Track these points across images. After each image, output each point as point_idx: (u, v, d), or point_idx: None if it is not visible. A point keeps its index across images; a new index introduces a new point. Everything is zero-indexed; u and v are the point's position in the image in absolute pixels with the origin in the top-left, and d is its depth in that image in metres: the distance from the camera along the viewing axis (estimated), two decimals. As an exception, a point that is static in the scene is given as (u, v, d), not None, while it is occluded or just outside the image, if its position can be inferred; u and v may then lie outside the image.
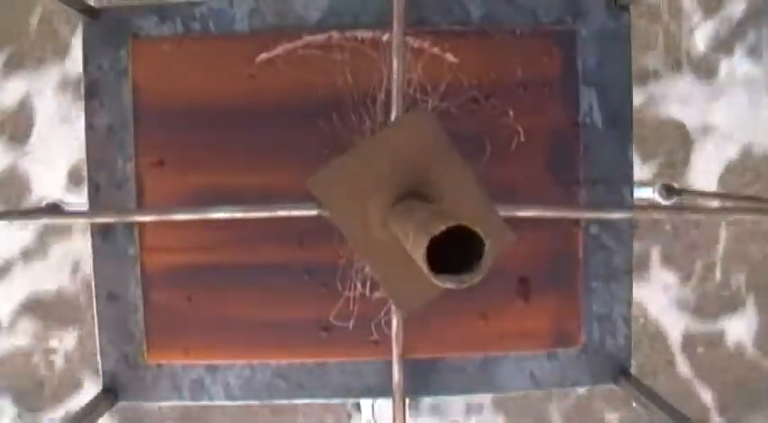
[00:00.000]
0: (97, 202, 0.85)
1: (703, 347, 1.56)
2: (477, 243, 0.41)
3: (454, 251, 0.42)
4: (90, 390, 1.53)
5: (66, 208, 0.97)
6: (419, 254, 0.41)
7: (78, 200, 1.01)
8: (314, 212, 0.63)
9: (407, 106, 0.81)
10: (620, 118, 0.85)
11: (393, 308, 0.69)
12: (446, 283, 0.42)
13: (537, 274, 0.85)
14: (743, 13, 1.52)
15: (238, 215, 0.69)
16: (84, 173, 0.85)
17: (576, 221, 0.85)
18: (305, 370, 0.86)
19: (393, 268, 0.54)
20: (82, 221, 0.87)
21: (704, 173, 1.52)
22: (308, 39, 0.83)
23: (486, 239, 0.40)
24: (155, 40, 0.84)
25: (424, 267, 0.41)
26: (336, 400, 1.11)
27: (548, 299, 0.85)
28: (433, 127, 0.53)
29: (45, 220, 0.70)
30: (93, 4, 0.84)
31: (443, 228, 0.40)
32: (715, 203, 1.17)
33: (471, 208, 0.54)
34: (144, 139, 0.84)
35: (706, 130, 1.52)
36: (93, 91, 0.85)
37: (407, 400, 0.85)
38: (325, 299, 0.84)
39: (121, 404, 0.86)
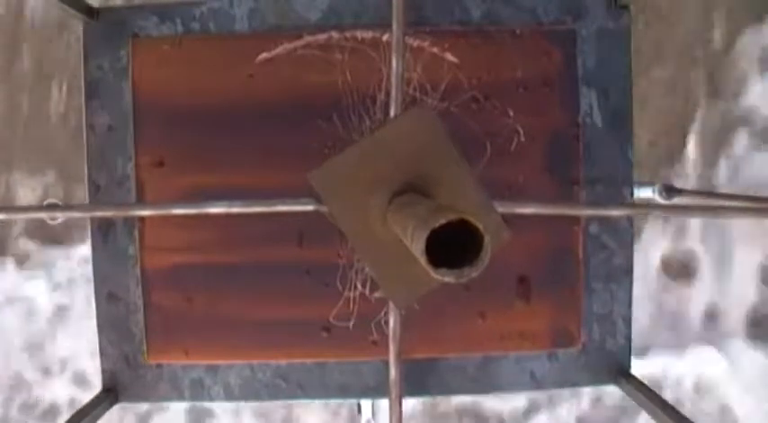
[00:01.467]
0: (97, 201, 0.85)
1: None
2: (477, 238, 0.41)
3: (452, 248, 0.42)
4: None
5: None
6: (419, 247, 0.41)
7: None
8: (311, 208, 0.63)
9: (407, 106, 0.81)
10: (620, 118, 0.85)
11: (391, 307, 0.69)
12: (445, 277, 0.42)
13: (537, 274, 0.85)
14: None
15: (235, 210, 0.69)
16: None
17: (577, 221, 0.85)
18: (305, 370, 0.86)
19: (390, 265, 0.54)
20: (80, 216, 0.87)
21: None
22: (308, 39, 0.83)
23: (486, 234, 0.40)
24: (155, 41, 0.84)
25: (423, 260, 0.41)
26: (336, 400, 1.11)
27: (548, 299, 0.85)
28: (432, 124, 0.53)
29: (44, 215, 0.70)
30: (93, 5, 0.84)
31: (444, 221, 0.40)
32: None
33: (470, 204, 0.54)
34: (144, 138, 0.84)
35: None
36: (93, 91, 0.85)
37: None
38: (325, 299, 0.84)
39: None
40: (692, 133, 1.50)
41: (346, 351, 0.85)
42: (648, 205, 0.97)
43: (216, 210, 0.69)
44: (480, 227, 0.40)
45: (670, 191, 1.01)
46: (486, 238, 0.40)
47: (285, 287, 0.84)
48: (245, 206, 0.69)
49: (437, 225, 0.40)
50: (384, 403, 1.04)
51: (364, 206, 0.53)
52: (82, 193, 0.85)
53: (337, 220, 0.54)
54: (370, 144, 0.53)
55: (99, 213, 0.80)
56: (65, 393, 1.51)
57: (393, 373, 0.67)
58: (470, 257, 0.41)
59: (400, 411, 0.67)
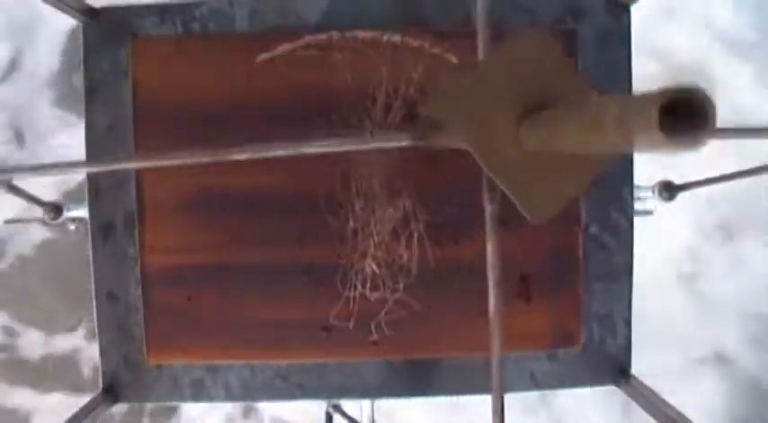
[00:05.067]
0: (97, 202, 0.85)
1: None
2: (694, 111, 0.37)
3: None
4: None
5: (66, 208, 0.97)
6: (646, 117, 0.36)
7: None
8: (408, 143, 0.59)
9: (408, 107, 0.81)
10: None
11: (488, 234, 0.60)
12: (680, 143, 0.37)
13: (537, 274, 0.85)
14: None
15: (325, 150, 0.59)
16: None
17: (577, 221, 0.85)
18: (304, 370, 0.86)
19: (524, 181, 0.52)
20: (79, 171, 0.84)
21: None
22: (308, 39, 0.83)
23: (711, 101, 0.37)
24: (155, 41, 0.84)
25: (656, 124, 0.36)
26: (336, 401, 1.11)
27: (548, 299, 0.85)
28: (547, 45, 0.51)
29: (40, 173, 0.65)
30: (92, 5, 0.84)
31: (674, 95, 0.34)
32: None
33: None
34: (144, 139, 0.84)
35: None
36: (93, 91, 0.85)
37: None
38: (324, 299, 0.84)
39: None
40: None
41: (346, 351, 0.85)
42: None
43: (309, 149, 0.59)
44: (707, 95, 0.36)
45: (670, 188, 1.01)
46: (711, 106, 0.36)
47: (285, 288, 0.84)
48: (340, 145, 0.60)
49: (668, 99, 0.35)
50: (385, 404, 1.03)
51: (490, 126, 0.50)
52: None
53: (461, 141, 0.51)
54: (486, 67, 0.51)
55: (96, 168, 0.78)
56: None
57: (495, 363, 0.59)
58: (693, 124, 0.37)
59: (502, 411, 0.57)
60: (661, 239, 1.64)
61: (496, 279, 0.56)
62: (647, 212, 1.05)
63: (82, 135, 0.84)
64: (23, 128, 1.72)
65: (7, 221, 1.53)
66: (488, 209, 0.56)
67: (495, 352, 0.58)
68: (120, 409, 1.50)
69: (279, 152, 0.61)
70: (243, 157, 0.56)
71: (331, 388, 0.86)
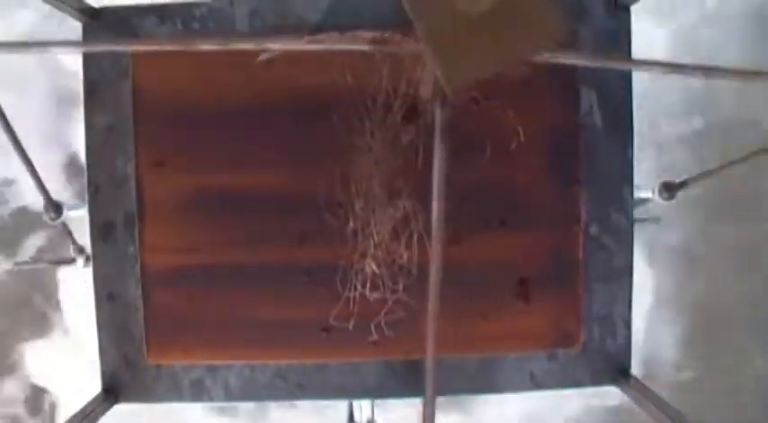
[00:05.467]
0: (97, 202, 0.85)
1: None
2: None
3: None
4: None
5: (66, 208, 0.97)
6: None
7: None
8: (366, 48, 0.59)
9: (408, 108, 0.81)
10: (620, 118, 0.85)
11: (437, 108, 0.58)
12: None
13: (537, 275, 0.85)
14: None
15: (256, 47, 0.62)
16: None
17: (577, 222, 0.85)
18: (304, 370, 0.86)
19: (451, 42, 0.51)
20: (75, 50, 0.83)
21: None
22: (308, 39, 0.83)
23: None
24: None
25: None
26: (336, 401, 1.11)
27: (548, 300, 0.85)
28: None
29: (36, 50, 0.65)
30: (93, 5, 0.84)
31: None
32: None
33: None
34: (144, 139, 0.84)
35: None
36: (93, 91, 0.84)
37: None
38: (324, 300, 0.84)
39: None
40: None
41: (346, 352, 0.85)
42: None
43: (274, 45, 0.62)
44: None
45: (670, 188, 1.01)
46: None
47: (285, 288, 0.84)
48: (304, 45, 0.64)
49: None
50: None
51: None
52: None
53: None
54: None
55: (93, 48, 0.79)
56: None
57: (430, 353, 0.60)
58: None
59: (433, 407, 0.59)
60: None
61: (441, 193, 0.55)
62: (655, 219, 1.04)
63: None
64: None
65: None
66: (438, 115, 0.56)
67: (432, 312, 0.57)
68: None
69: (245, 46, 0.63)
70: (208, 47, 0.57)
71: (331, 388, 0.86)
